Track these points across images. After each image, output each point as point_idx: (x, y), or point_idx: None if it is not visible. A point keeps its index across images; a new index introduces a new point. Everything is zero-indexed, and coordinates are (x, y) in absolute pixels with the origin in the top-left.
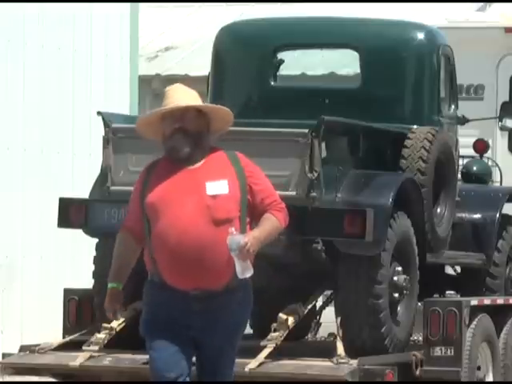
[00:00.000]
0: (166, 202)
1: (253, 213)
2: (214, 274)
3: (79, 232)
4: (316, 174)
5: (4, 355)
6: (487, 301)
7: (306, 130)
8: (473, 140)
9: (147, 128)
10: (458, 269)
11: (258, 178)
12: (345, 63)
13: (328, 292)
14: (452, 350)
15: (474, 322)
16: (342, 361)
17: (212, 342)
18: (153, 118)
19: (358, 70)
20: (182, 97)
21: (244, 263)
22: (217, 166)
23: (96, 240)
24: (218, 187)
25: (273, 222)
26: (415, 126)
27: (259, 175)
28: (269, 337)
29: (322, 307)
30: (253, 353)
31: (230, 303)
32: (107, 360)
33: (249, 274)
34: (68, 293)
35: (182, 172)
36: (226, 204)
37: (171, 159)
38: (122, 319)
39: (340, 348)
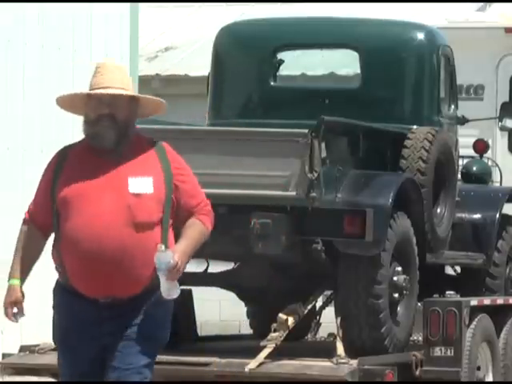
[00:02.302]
0: (80, 197)
1: (176, 213)
2: (130, 282)
3: None
4: (316, 174)
5: (4, 355)
6: (487, 301)
7: (306, 131)
8: (473, 140)
9: (69, 104)
10: (458, 269)
11: (185, 175)
12: (345, 63)
13: (328, 292)
14: (452, 350)
15: (474, 322)
16: (342, 361)
17: (123, 346)
18: (78, 97)
19: (358, 70)
20: (116, 79)
21: (172, 283)
22: (141, 159)
23: None
24: (141, 185)
25: (200, 230)
26: (415, 127)
27: (186, 171)
28: (269, 337)
29: (322, 307)
30: (253, 353)
31: (140, 305)
32: None
33: (176, 294)
34: None
35: (101, 163)
36: (148, 205)
37: (90, 147)
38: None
39: (340, 348)
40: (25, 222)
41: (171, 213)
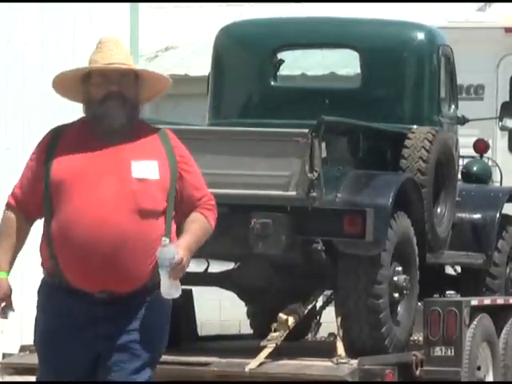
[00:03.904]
0: (78, 180)
1: (178, 206)
2: (129, 276)
3: None
4: (316, 174)
5: (4, 355)
6: (487, 301)
7: (306, 130)
8: (473, 140)
9: (68, 85)
10: (458, 269)
11: (190, 165)
12: (345, 63)
13: (328, 292)
14: (452, 350)
15: (474, 322)
16: (342, 361)
17: (120, 360)
18: (79, 74)
19: (358, 70)
20: (122, 56)
21: (174, 281)
22: (145, 143)
23: None
24: (146, 169)
25: (204, 226)
26: (415, 126)
27: (191, 161)
28: (269, 337)
29: (322, 307)
30: (253, 353)
31: (138, 304)
32: None
33: (177, 294)
34: None
35: (100, 145)
36: (153, 192)
37: (88, 128)
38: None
39: (340, 348)
40: (9, 207)
41: (174, 204)
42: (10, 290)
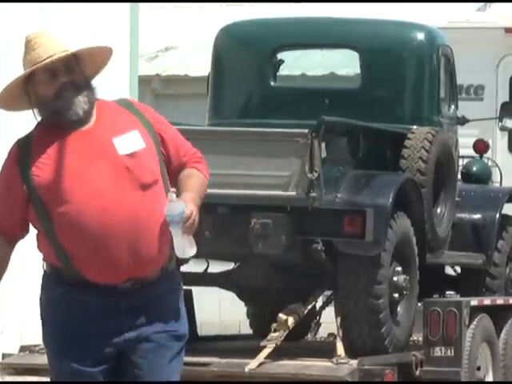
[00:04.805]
0: (70, 176)
1: (168, 168)
2: (151, 256)
3: None
4: (316, 174)
5: (4, 355)
6: (487, 301)
7: (306, 130)
8: (473, 140)
9: (13, 100)
10: (458, 269)
11: (164, 124)
12: (345, 63)
13: (328, 292)
14: (452, 350)
15: (474, 322)
16: (342, 361)
17: (144, 346)
18: (20, 83)
19: (358, 71)
20: (56, 45)
21: (187, 238)
22: (115, 118)
23: None
24: (130, 142)
25: (200, 179)
26: (415, 127)
27: (163, 119)
28: (269, 337)
29: (322, 307)
30: (253, 353)
31: (163, 293)
32: None
33: (192, 252)
34: None
35: (74, 136)
36: (147, 161)
37: (52, 126)
38: None
39: (340, 348)
40: None
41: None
42: None
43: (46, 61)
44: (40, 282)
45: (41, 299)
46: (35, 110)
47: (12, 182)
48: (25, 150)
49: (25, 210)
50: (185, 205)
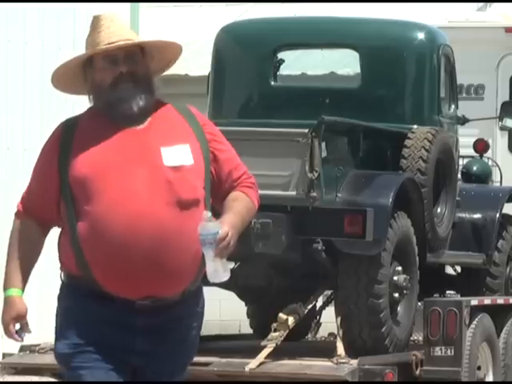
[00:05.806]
0: (105, 173)
1: (215, 189)
2: (175, 276)
3: None
4: (316, 174)
5: (4, 355)
6: (487, 301)
7: (306, 130)
8: (473, 140)
9: (70, 78)
10: (458, 269)
11: (222, 143)
12: (345, 63)
13: (328, 292)
14: (452, 350)
15: (474, 322)
16: (342, 361)
17: (160, 368)
18: (79, 61)
19: (358, 70)
20: (124, 30)
21: (220, 261)
22: (169, 124)
23: None
24: (178, 155)
25: (247, 204)
26: (415, 126)
27: (222, 138)
28: (269, 337)
29: (322, 307)
30: (253, 353)
31: (183, 316)
32: None
33: (225, 276)
34: None
35: (122, 133)
36: (191, 179)
37: (103, 116)
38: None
39: (340, 348)
40: (19, 215)
41: (211, 188)
42: (26, 310)
43: (102, 47)
44: (39, 280)
45: (57, 309)
46: (90, 97)
47: (49, 166)
48: (68, 134)
49: (56, 197)
50: (220, 226)
